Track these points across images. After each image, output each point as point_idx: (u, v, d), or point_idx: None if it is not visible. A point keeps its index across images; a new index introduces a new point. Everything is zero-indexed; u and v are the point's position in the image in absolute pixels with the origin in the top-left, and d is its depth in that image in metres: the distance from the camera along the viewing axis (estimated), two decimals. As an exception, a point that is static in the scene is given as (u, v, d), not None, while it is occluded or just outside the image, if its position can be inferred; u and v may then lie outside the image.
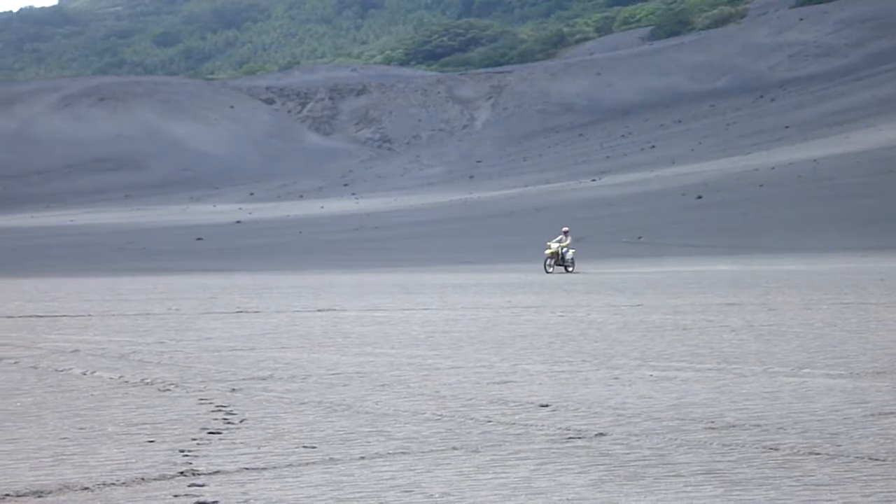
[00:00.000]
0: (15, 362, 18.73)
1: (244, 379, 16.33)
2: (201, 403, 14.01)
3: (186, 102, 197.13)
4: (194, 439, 11.52)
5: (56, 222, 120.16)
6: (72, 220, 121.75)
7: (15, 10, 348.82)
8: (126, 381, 16.24)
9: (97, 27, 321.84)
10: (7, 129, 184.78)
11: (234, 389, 15.23)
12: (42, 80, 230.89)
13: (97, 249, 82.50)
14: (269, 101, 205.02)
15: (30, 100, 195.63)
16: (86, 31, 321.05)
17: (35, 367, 18.01)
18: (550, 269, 55.08)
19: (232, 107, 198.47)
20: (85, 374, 17.09)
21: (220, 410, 13.39)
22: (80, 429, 12.23)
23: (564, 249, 56.23)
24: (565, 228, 57.94)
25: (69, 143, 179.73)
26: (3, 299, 38.01)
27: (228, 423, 12.51)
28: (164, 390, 15.28)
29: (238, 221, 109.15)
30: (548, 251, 56.20)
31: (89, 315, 29.77)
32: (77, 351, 20.43)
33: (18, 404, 14.13)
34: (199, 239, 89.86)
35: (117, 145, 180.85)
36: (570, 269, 56.12)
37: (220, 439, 11.55)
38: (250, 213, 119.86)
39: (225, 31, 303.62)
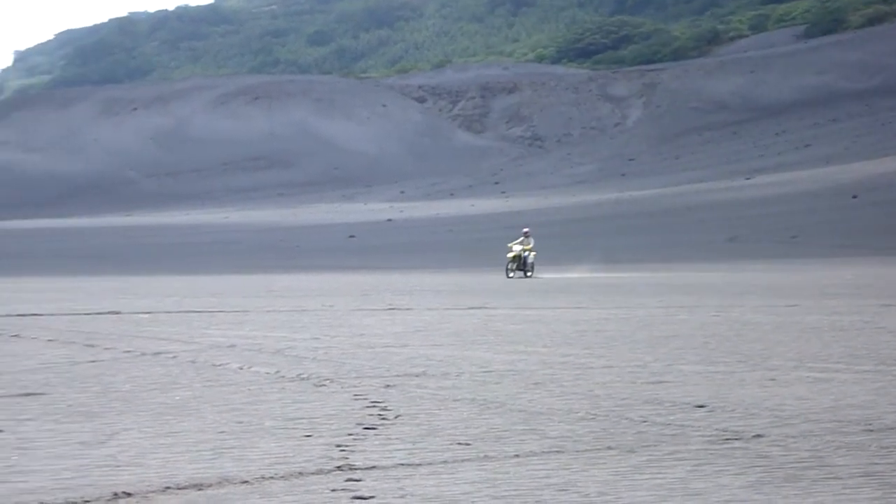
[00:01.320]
0: (174, 357, 19.05)
1: (398, 375, 16.41)
2: (356, 399, 14.11)
3: (339, 101, 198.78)
4: (350, 434, 11.60)
5: (211, 220, 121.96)
6: (226, 218, 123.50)
7: (171, 8, 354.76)
8: (282, 376, 16.41)
9: (252, 26, 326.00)
10: (163, 126, 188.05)
11: (388, 385, 15.31)
12: (198, 78, 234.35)
13: (251, 247, 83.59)
14: (421, 100, 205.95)
15: (186, 98, 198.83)
16: (241, 30, 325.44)
17: (193, 362, 18.28)
18: (512, 275, 51.97)
19: (384, 105, 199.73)
20: (242, 369, 17.31)
21: (374, 406, 13.47)
22: (239, 423, 12.39)
23: (526, 253, 52.90)
24: (526, 229, 54.55)
25: (224, 141, 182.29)
26: (161, 295, 38.71)
27: (383, 418, 12.58)
28: (320, 385, 15.42)
29: (389, 219, 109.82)
30: (510, 255, 52.92)
31: (245, 311, 30.19)
32: (234, 346, 20.71)
33: (177, 398, 14.36)
34: (351, 236, 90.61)
35: (271, 143, 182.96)
36: (529, 273, 52.70)
37: (376, 435, 11.62)
38: (401, 212, 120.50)
39: (377, 29, 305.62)
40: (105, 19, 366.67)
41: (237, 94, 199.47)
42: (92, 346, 20.90)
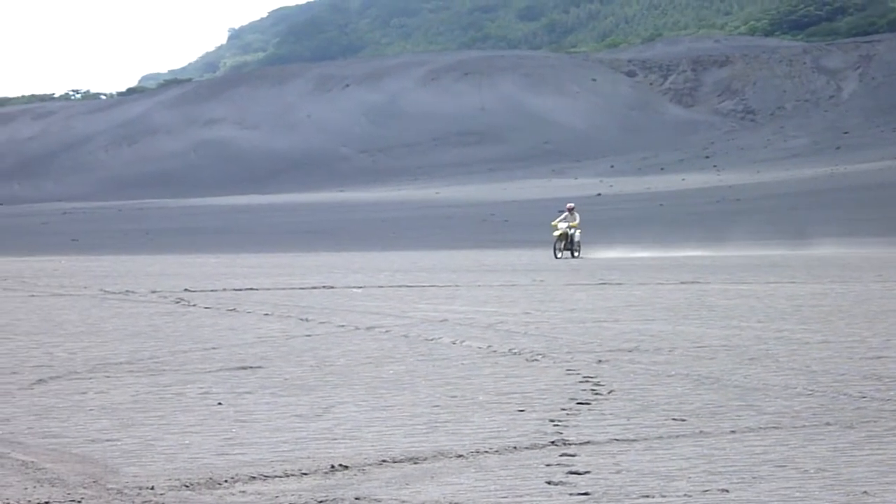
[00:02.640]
0: (386, 331, 19.25)
1: (610, 350, 16.33)
2: (569, 374, 14.08)
3: (549, 76, 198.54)
4: (563, 409, 11.58)
5: (422, 195, 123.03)
6: (437, 193, 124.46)
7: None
8: (494, 351, 16.46)
9: (462, 2, 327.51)
10: (375, 103, 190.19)
11: (600, 361, 15.25)
12: (409, 54, 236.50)
13: (461, 222, 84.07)
14: (631, 74, 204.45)
15: (397, 74, 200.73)
16: (451, 6, 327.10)
17: (406, 336, 18.45)
18: (560, 255, 47.50)
19: (594, 80, 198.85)
20: (454, 343, 17.41)
21: (587, 381, 13.42)
22: (452, 397, 12.46)
23: (572, 231, 48.13)
24: (570, 205, 50.00)
25: (434, 116, 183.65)
26: (373, 270, 39.18)
27: (596, 393, 12.53)
28: (532, 360, 15.42)
29: (599, 194, 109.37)
30: (556, 233, 48.12)
31: (456, 286, 30.36)
32: (445, 320, 20.83)
33: (391, 372, 14.51)
34: (561, 211, 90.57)
35: (481, 119, 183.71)
36: (577, 253, 48.20)
37: (590, 410, 11.57)
38: (611, 186, 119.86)
39: (588, 4, 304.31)
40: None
41: (448, 69, 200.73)
42: (306, 320, 21.24)
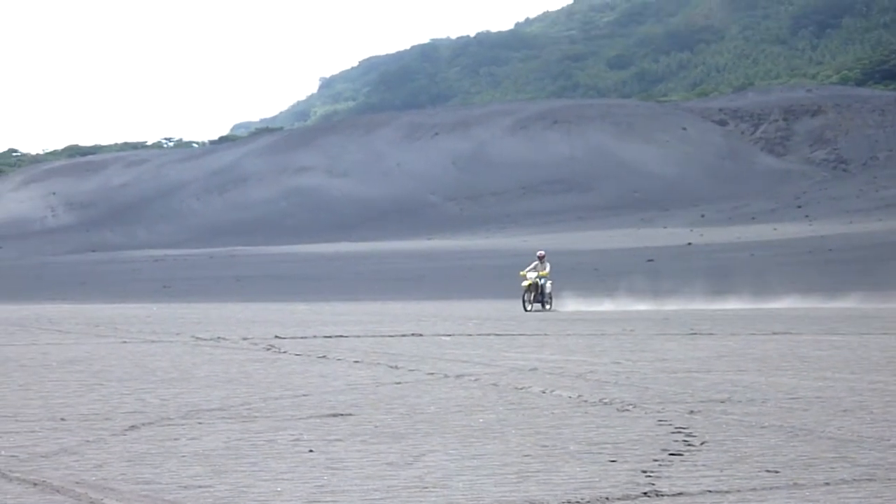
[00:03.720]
0: (476, 379, 19.22)
1: (702, 401, 16.20)
2: (660, 424, 13.98)
3: (638, 124, 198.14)
4: (656, 460, 11.49)
5: (510, 243, 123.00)
6: (525, 241, 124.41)
7: (472, 34, 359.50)
8: (585, 400, 16.39)
9: (552, 51, 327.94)
10: (464, 151, 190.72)
11: (692, 411, 15.13)
12: (498, 103, 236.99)
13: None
14: (722, 123, 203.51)
15: (486, 123, 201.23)
16: (541, 55, 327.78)
17: (495, 385, 18.42)
18: (529, 307, 44.64)
19: (684, 128, 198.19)
20: (544, 392, 17.35)
21: (679, 432, 13.32)
22: (543, 446, 12.41)
23: (542, 280, 45.58)
24: (541, 253, 47.41)
25: (523, 164, 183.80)
26: (462, 317, 39.18)
27: (689, 444, 12.43)
28: (623, 410, 15.33)
29: (689, 243, 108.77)
30: (524, 283, 45.37)
31: (545, 334, 30.29)
32: (535, 369, 20.78)
33: (481, 421, 14.48)
34: (650, 261, 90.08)
35: (569, 167, 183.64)
36: (548, 306, 45.57)
37: (682, 461, 11.48)
38: (701, 235, 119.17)
39: (678, 53, 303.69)
40: (408, 46, 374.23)
41: (537, 118, 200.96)
42: (396, 367, 21.27)
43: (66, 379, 19.63)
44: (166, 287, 74.11)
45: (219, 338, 29.11)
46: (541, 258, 46.45)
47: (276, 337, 29.15)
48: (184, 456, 11.89)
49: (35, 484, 10.49)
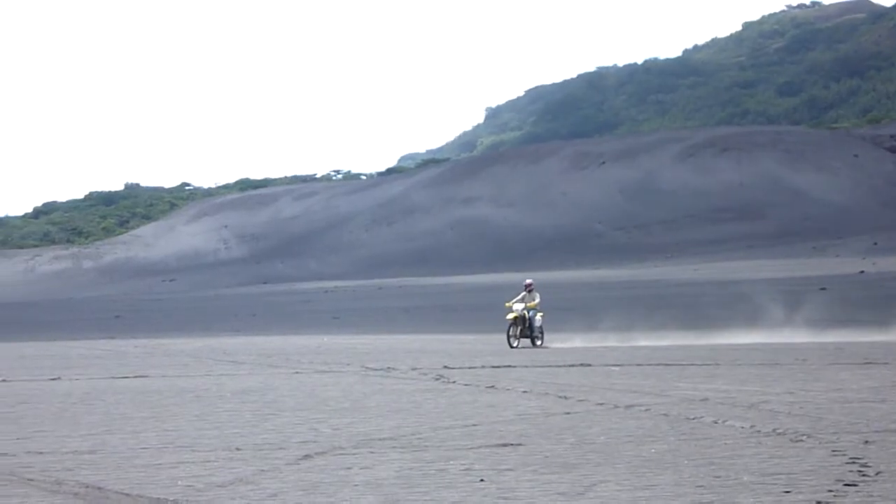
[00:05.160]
0: (646, 409, 19.11)
1: (877, 431, 15.90)
2: (834, 454, 13.76)
3: (809, 151, 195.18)
4: (830, 490, 11.32)
5: (679, 273, 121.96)
6: (695, 271, 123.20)
7: (639, 61, 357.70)
8: (758, 431, 16.19)
9: (720, 77, 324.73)
10: (632, 179, 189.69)
11: (867, 441, 14.86)
12: (665, 130, 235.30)
13: (718, 300, 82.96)
14: (894, 150, 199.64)
15: (653, 151, 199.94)
16: (709, 82, 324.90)
17: (666, 415, 18.29)
18: (515, 343, 40.15)
19: (856, 156, 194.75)
20: (716, 423, 17.18)
21: (854, 462, 13.10)
22: (716, 477, 12.30)
23: (531, 312, 41.18)
24: (528, 282, 43.22)
25: (691, 193, 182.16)
26: (630, 348, 38.93)
27: (864, 475, 12.22)
28: (797, 441, 15.12)
29: (861, 272, 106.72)
30: (510, 315, 40.91)
31: (716, 364, 29.98)
32: (706, 399, 20.58)
33: (653, 451, 14.39)
34: (822, 289, 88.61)
35: (739, 195, 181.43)
36: (538, 341, 41.12)
37: (857, 491, 11.29)
38: (874, 264, 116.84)
39: (848, 79, 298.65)
40: (573, 75, 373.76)
41: (705, 145, 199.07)
42: (565, 397, 21.23)
43: (241, 409, 19.97)
44: (336, 318, 74.87)
45: (389, 368, 29.35)
46: (528, 287, 42.20)
47: (445, 367, 29.29)
48: (356, 485, 12.02)
49: (213, 512, 10.70)
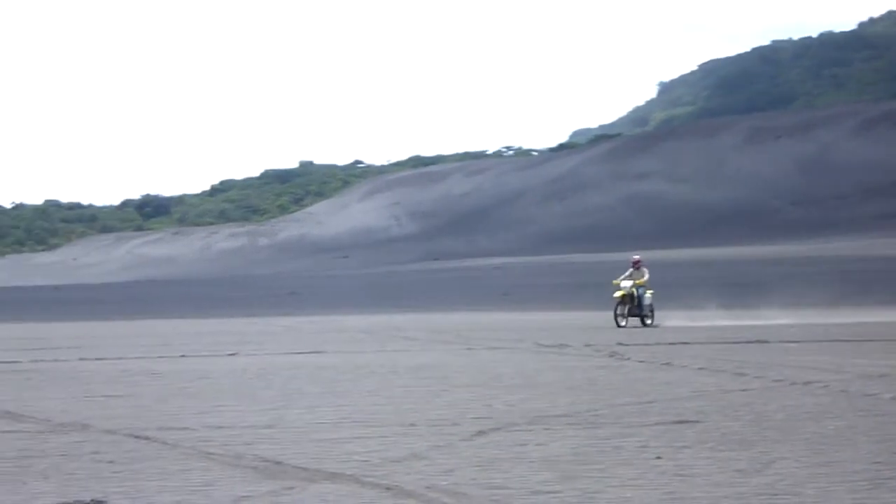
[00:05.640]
0: (824, 386, 18.81)
1: None
2: None
3: None
4: None
5: (855, 249, 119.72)
6: (869, 246, 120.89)
7: (814, 34, 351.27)
8: (941, 409, 15.84)
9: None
10: (807, 154, 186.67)
11: None
12: (841, 104, 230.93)
13: (889, 276, 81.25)
14: None
15: (829, 125, 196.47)
16: (885, 55, 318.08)
17: (844, 391, 17.98)
18: (623, 323, 39.01)
19: None
20: (895, 399, 16.85)
21: None
22: (894, 453, 12.06)
23: (640, 290, 39.86)
24: (636, 257, 41.69)
25: (868, 167, 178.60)
26: (808, 325, 38.36)
27: None
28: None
29: None
30: (617, 294, 39.67)
31: (893, 340, 29.39)
32: (885, 375, 20.20)
33: (831, 428, 14.15)
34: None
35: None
36: (649, 320, 39.74)
37: None
38: None
39: None
40: (748, 48, 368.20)
41: (882, 118, 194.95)
42: (742, 374, 20.98)
43: (414, 385, 20.10)
44: (506, 295, 75.05)
45: (561, 345, 29.31)
46: (636, 264, 40.78)
47: (619, 344, 29.15)
48: (532, 461, 12.00)
49: (388, 488, 10.76)
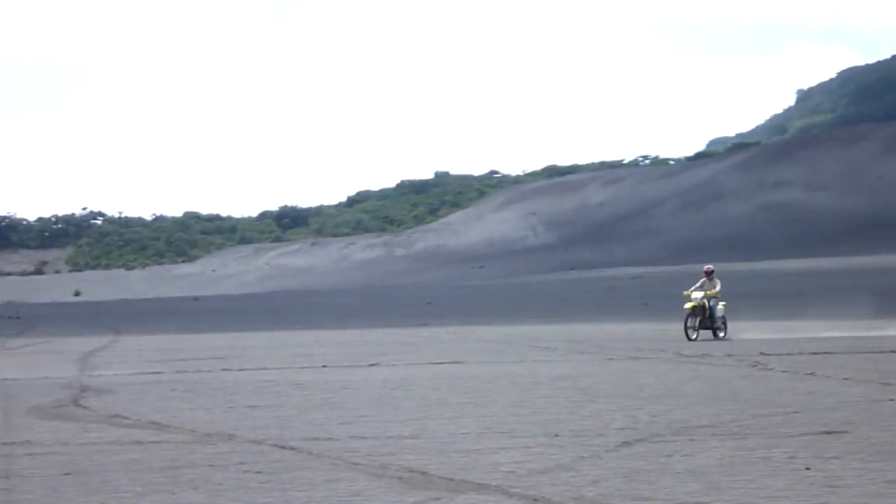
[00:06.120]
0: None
1: None
2: None
3: None
4: None
5: None
6: None
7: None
8: None
9: None
10: None
11: None
12: None
13: None
14: None
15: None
16: None
17: None
18: (694, 336, 37.41)
19: None
20: None
21: None
22: None
23: (712, 301, 38.24)
24: (708, 267, 39.90)
25: None
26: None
27: None
28: None
29: None
30: (688, 305, 38.12)
31: None
32: None
33: None
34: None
35: None
36: (721, 333, 38.24)
37: None
38: None
39: None
40: (887, 56, 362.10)
41: None
42: (888, 384, 20.64)
43: (556, 395, 20.05)
44: (645, 304, 74.60)
45: (703, 355, 29.07)
46: (708, 274, 39.30)
47: (762, 353, 28.81)
48: (678, 472, 11.90)
49: (535, 500, 10.74)
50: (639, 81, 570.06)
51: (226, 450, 14.63)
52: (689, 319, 37.60)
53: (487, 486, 11.45)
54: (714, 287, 38.48)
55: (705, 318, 37.77)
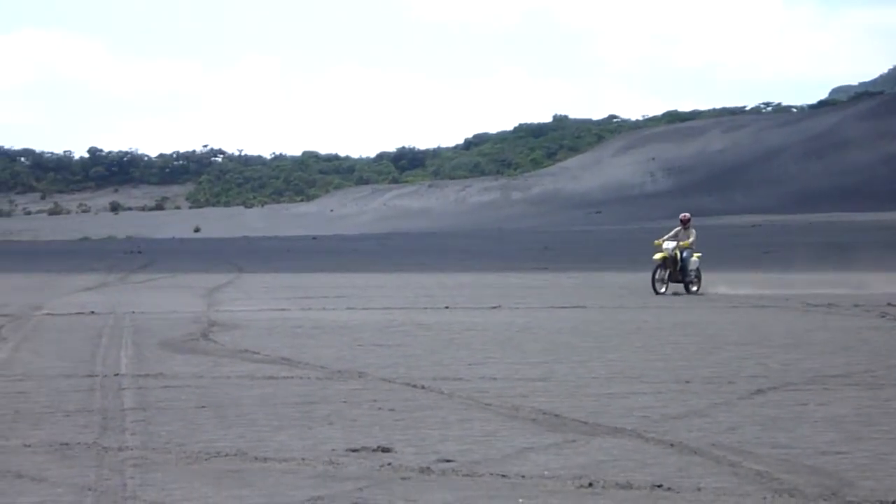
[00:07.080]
0: None
1: None
2: None
3: None
4: None
5: None
6: None
7: None
8: None
9: None
10: None
11: None
12: None
13: None
14: None
15: None
16: None
17: None
18: (662, 289, 33.89)
19: None
20: None
21: None
22: None
23: (685, 252, 34.61)
24: (684, 215, 35.98)
25: None
26: None
27: None
28: None
29: None
30: (657, 255, 34.52)
31: None
32: None
33: None
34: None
35: None
36: (694, 287, 34.70)
37: None
38: None
39: None
40: None
41: None
42: None
43: (682, 342, 19.94)
44: (766, 252, 73.78)
45: (830, 304, 28.71)
46: (684, 223, 35.56)
47: (889, 304, 28.36)
48: (815, 421, 11.81)
49: (671, 444, 10.71)
50: (762, 28, 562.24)
51: (357, 387, 14.77)
52: (658, 271, 34.29)
53: (623, 430, 11.44)
54: (689, 237, 35.21)
55: (675, 271, 34.45)
